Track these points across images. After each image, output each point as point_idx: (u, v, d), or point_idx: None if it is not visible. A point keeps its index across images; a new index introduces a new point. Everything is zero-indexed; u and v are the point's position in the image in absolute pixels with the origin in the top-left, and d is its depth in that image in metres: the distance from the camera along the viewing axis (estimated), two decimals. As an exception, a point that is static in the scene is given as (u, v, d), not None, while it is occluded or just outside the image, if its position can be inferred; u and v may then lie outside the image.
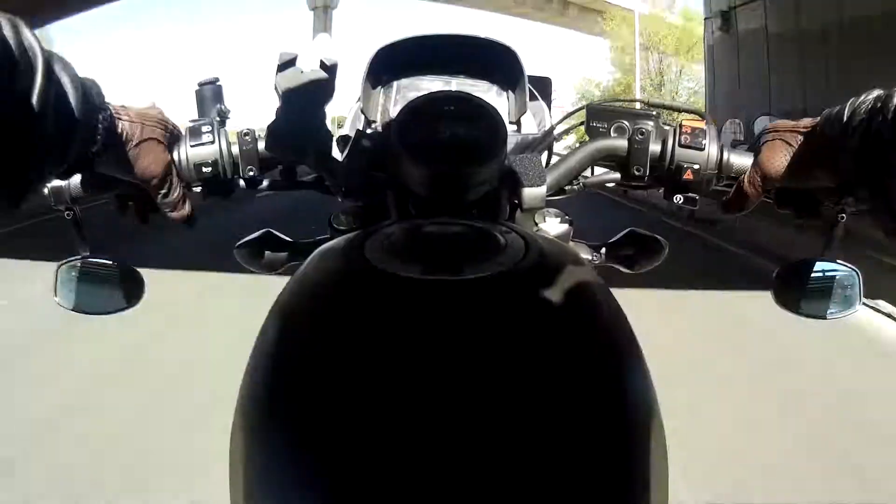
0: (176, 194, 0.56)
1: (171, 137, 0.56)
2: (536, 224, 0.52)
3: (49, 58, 0.40)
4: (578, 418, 0.32)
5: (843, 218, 0.57)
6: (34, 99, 0.38)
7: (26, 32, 0.39)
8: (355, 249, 0.41)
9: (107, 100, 0.49)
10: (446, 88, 0.61)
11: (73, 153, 0.46)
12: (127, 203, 0.61)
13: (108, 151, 0.49)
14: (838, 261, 0.60)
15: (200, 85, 0.59)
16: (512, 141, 0.56)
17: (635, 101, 0.57)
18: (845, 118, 0.45)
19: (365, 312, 0.36)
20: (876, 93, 0.44)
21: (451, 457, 0.29)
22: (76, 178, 0.57)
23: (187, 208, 0.57)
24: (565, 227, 0.53)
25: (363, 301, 0.37)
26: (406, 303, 0.36)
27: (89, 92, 0.46)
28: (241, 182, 0.58)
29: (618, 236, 0.57)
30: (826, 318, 0.62)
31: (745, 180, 0.53)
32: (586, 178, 0.60)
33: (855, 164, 0.45)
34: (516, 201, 0.53)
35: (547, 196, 0.53)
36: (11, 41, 0.37)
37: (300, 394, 0.34)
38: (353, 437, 0.31)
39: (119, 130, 0.50)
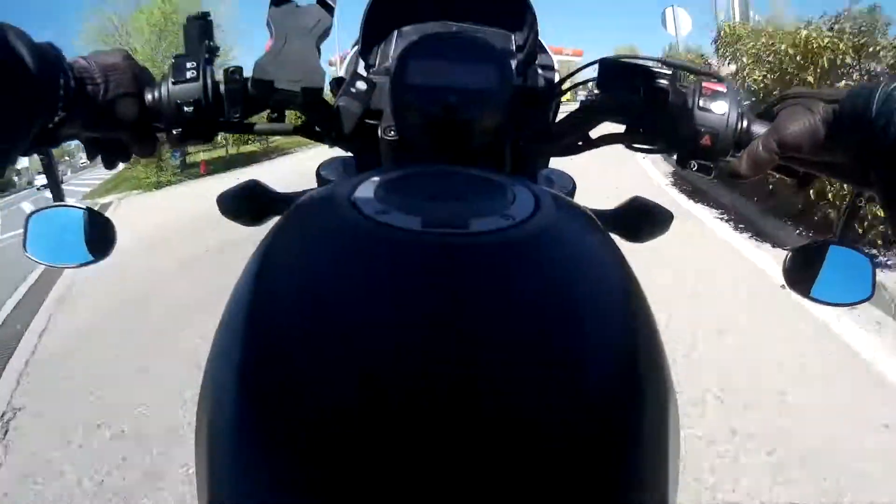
0: (150, 143, 0.54)
1: (142, 81, 0.53)
2: (538, 182, 0.49)
3: (2, 30, 0.37)
4: (591, 385, 0.29)
5: (861, 202, 0.55)
6: None
7: None
8: (344, 197, 0.36)
9: (67, 60, 0.46)
10: (451, 31, 0.58)
11: (36, 127, 0.43)
12: (96, 150, 0.58)
13: (75, 115, 0.46)
14: (852, 245, 0.58)
15: (189, 19, 0.55)
16: (518, 91, 0.53)
17: (653, 59, 0.53)
18: (875, 102, 0.41)
19: (354, 269, 0.32)
20: None
21: (461, 423, 0.26)
22: None
23: (156, 148, 0.55)
24: (569, 187, 0.49)
25: (353, 256, 0.33)
26: (403, 258, 0.32)
27: (47, 58, 0.42)
28: (226, 125, 0.54)
29: (621, 203, 0.54)
30: (838, 305, 0.59)
31: (759, 144, 0.48)
32: (594, 136, 0.57)
33: (874, 149, 0.42)
34: (519, 156, 0.49)
35: (551, 153, 0.50)
36: None
37: (275, 360, 0.30)
38: (342, 415, 0.27)
39: (84, 93, 0.47)
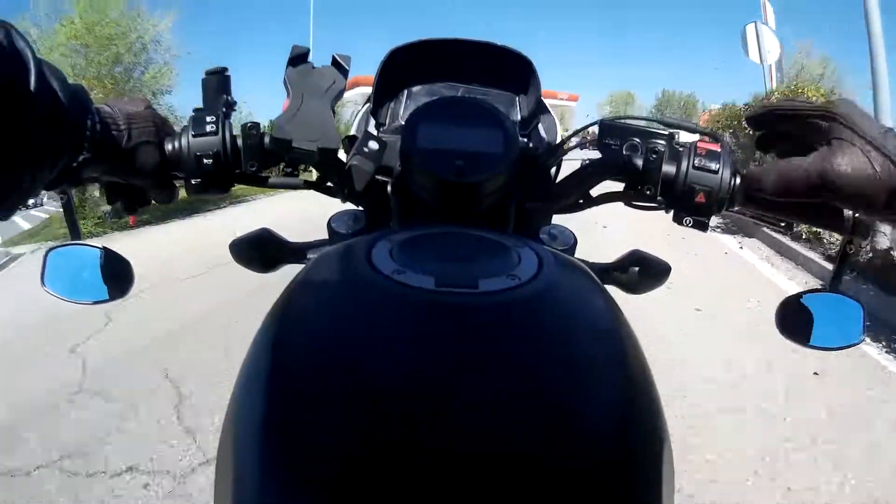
0: (168, 190, 0.56)
1: (163, 132, 0.55)
2: (541, 238, 0.51)
3: (40, 64, 0.38)
4: (592, 442, 0.31)
5: (851, 250, 0.57)
6: (27, 108, 0.37)
7: (18, 39, 0.37)
8: (361, 256, 0.39)
9: (94, 105, 0.48)
10: (458, 95, 0.60)
11: (62, 163, 0.44)
12: (117, 196, 0.60)
13: (97, 159, 0.48)
14: (843, 292, 0.60)
15: (208, 74, 0.58)
16: (522, 153, 0.55)
17: (650, 119, 0.56)
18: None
19: (373, 323, 0.34)
20: None
21: (465, 475, 0.28)
22: None
23: (175, 195, 0.57)
24: (570, 242, 0.51)
25: (372, 311, 0.35)
26: (418, 316, 0.34)
27: (78, 98, 0.44)
28: (243, 177, 0.57)
29: (620, 256, 0.56)
30: (831, 350, 0.61)
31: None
32: (594, 194, 0.59)
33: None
34: (523, 214, 0.51)
35: (554, 210, 0.52)
36: (5, 47, 0.35)
37: (295, 405, 0.31)
38: (357, 469, 0.28)
39: (108, 138, 0.49)
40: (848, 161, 0.43)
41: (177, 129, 0.57)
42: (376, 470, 0.28)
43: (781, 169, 0.47)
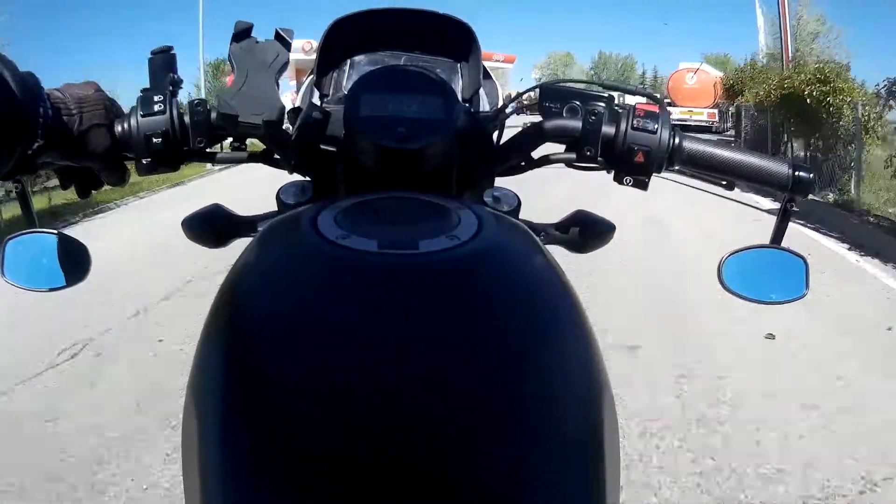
0: (120, 172, 0.56)
1: (112, 113, 0.55)
2: (485, 201, 0.52)
3: None
4: (531, 396, 0.32)
5: (791, 207, 0.59)
6: None
7: None
8: (308, 224, 0.40)
9: (45, 91, 0.48)
10: (400, 63, 0.61)
11: (18, 151, 0.45)
12: (70, 180, 0.60)
13: (51, 144, 0.48)
14: (786, 248, 0.62)
15: (153, 53, 0.58)
16: (464, 118, 0.56)
17: (590, 82, 0.57)
18: None
19: (320, 288, 0.36)
20: None
21: (408, 432, 0.29)
22: None
23: (126, 177, 0.57)
24: (513, 205, 0.53)
25: (318, 277, 0.37)
26: (362, 278, 0.35)
27: (28, 86, 0.44)
28: (191, 153, 0.57)
29: (565, 216, 0.57)
30: (774, 304, 0.63)
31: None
32: (536, 156, 0.60)
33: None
34: (466, 178, 0.53)
35: (497, 173, 0.53)
36: None
37: (253, 374, 0.33)
38: (311, 420, 0.30)
39: (60, 124, 0.49)
40: None
41: (126, 110, 0.57)
42: (329, 429, 0.29)
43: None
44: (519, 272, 0.40)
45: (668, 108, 0.57)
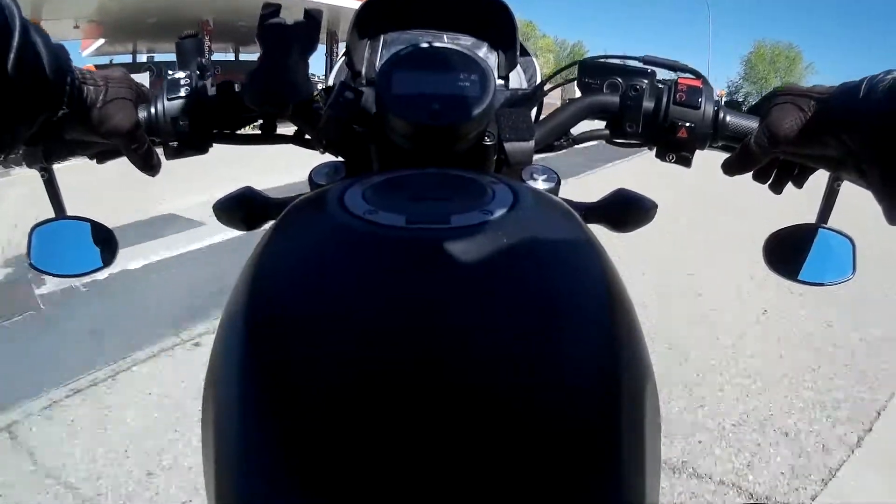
0: (145, 149, 0.56)
1: (138, 96, 0.55)
2: (523, 179, 0.50)
3: (25, 22, 0.40)
4: (567, 371, 0.31)
5: (839, 185, 0.56)
6: (10, 63, 0.38)
7: None
8: (334, 200, 0.38)
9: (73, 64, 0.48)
10: (433, 41, 0.59)
11: (41, 118, 0.45)
12: (102, 163, 0.60)
13: (76, 115, 0.49)
14: (833, 227, 0.59)
15: (181, 38, 0.57)
16: (501, 96, 0.54)
17: (630, 57, 0.55)
18: (861, 93, 0.44)
19: (344, 264, 0.34)
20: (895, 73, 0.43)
21: (439, 410, 0.27)
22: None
23: (156, 162, 0.57)
24: (552, 184, 0.51)
25: (342, 253, 0.35)
26: (388, 253, 0.34)
27: (59, 57, 0.45)
28: (220, 136, 0.56)
29: (606, 195, 0.55)
30: (822, 285, 0.61)
31: (752, 141, 0.51)
32: (576, 134, 0.58)
33: (863, 140, 0.45)
34: (503, 156, 0.51)
35: (535, 151, 0.51)
36: None
37: (276, 358, 0.31)
38: (337, 407, 0.28)
39: (85, 94, 0.50)
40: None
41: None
42: (360, 406, 0.28)
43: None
44: (555, 247, 0.37)
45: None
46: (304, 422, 0.28)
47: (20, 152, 0.55)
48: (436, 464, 0.26)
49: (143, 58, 22.25)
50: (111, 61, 22.22)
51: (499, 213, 0.36)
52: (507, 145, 0.50)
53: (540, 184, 0.50)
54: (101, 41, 19.49)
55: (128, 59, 22.27)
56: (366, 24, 0.61)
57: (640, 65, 0.56)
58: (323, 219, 0.38)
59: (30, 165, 0.57)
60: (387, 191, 0.40)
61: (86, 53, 20.95)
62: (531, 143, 0.50)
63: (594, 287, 0.36)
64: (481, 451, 0.27)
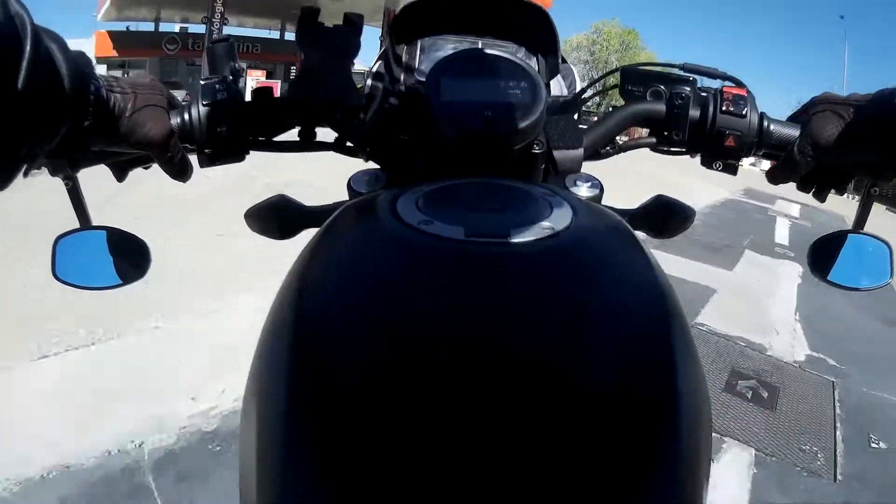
0: (179, 157, 0.54)
1: (169, 102, 0.53)
2: (567, 187, 0.50)
3: (37, 30, 0.37)
4: (627, 391, 0.30)
5: (875, 192, 0.57)
6: (22, 74, 0.36)
7: (14, 3, 0.35)
8: (386, 207, 0.37)
9: (97, 72, 0.46)
10: (478, 47, 0.59)
11: (63, 129, 0.43)
12: (126, 171, 0.59)
13: (103, 124, 0.47)
14: (870, 233, 0.60)
15: (213, 43, 0.56)
16: (547, 104, 0.54)
17: (671, 64, 0.55)
18: None
19: (399, 277, 0.33)
20: None
21: (498, 427, 0.27)
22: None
23: (189, 170, 0.55)
24: (597, 191, 0.50)
25: (398, 264, 0.34)
26: (447, 267, 0.33)
27: (79, 65, 0.43)
28: (257, 143, 0.55)
29: (645, 202, 0.55)
30: (860, 290, 0.61)
31: (795, 150, 0.52)
32: (620, 141, 0.58)
33: None
34: (549, 164, 0.50)
35: (582, 159, 0.51)
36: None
37: (322, 370, 0.30)
38: (383, 423, 0.27)
39: (112, 103, 0.47)
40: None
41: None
42: (410, 419, 0.27)
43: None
44: (616, 262, 0.37)
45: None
46: (353, 437, 0.27)
47: (44, 164, 0.54)
48: (493, 485, 0.26)
49: (166, 28, 20.92)
50: (127, 28, 21.28)
51: (559, 228, 0.36)
52: (557, 153, 0.50)
53: (584, 191, 0.50)
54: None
55: (150, 27, 21.09)
56: (404, 31, 0.60)
57: (681, 72, 0.56)
58: (375, 227, 0.37)
59: (53, 174, 0.56)
60: (440, 200, 0.39)
61: (101, 17, 19.82)
62: (580, 151, 0.50)
63: (655, 307, 0.36)
64: (543, 485, 0.26)
